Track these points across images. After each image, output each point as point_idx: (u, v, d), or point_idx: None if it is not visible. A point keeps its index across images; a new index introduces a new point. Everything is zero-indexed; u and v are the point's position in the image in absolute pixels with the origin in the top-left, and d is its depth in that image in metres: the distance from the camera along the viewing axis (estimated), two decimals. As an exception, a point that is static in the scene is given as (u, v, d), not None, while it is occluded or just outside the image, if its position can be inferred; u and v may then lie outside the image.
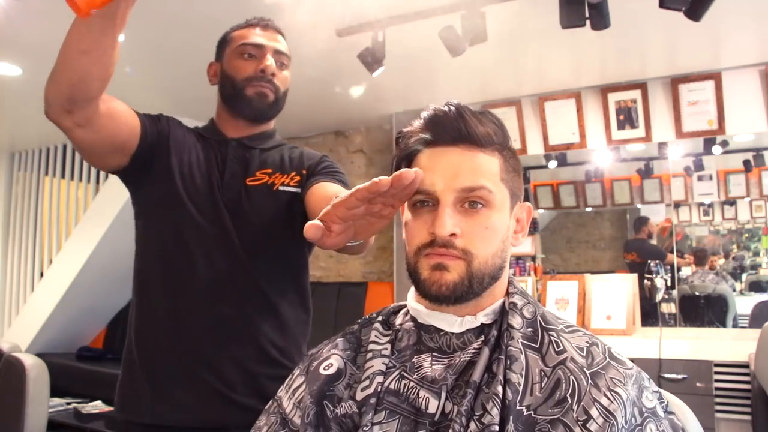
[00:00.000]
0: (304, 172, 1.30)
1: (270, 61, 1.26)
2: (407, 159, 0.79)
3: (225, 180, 1.25)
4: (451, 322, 0.76)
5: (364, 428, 0.72)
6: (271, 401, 0.87)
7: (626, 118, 2.97)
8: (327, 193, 1.18)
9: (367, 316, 0.89)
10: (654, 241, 3.16)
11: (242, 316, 1.19)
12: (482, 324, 0.76)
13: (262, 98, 1.26)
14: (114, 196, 3.72)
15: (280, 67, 1.29)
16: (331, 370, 0.80)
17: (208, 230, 1.20)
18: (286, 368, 1.21)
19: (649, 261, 3.07)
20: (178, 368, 1.17)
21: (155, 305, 1.20)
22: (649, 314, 3.00)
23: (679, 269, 3.05)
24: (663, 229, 3.14)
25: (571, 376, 0.69)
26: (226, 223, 1.21)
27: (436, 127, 0.77)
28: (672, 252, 3.05)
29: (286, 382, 0.87)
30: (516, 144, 3.20)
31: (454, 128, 0.75)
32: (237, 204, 1.23)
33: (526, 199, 3.46)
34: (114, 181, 3.83)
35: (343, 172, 1.32)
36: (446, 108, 0.77)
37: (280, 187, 1.27)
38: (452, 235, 0.72)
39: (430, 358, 0.76)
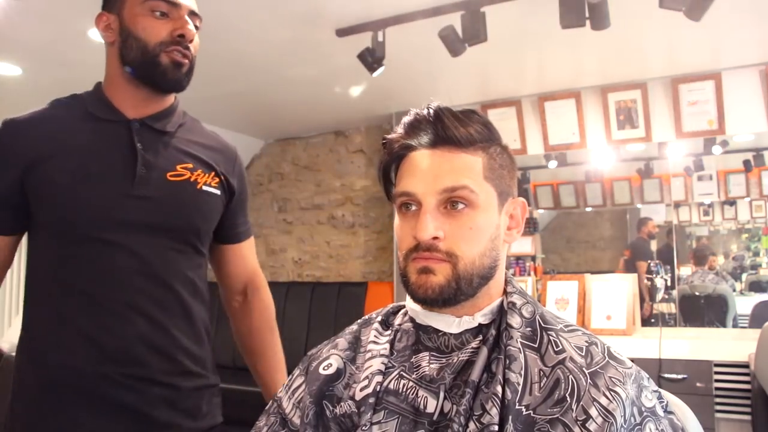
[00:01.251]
0: (223, 178, 1.21)
1: (190, 24, 1.09)
2: (394, 164, 0.81)
3: (138, 174, 1.07)
4: (449, 322, 0.76)
5: (363, 428, 0.72)
6: (270, 401, 0.87)
7: (626, 118, 2.97)
8: (246, 264, 1.29)
9: (366, 316, 0.89)
10: (655, 242, 3.16)
11: (162, 330, 1.08)
12: (480, 324, 0.77)
13: (177, 68, 1.09)
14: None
15: (195, 30, 1.13)
16: (331, 370, 0.80)
17: (125, 248, 1.05)
18: (204, 378, 1.17)
19: (648, 261, 3.08)
20: (97, 394, 1.03)
21: (69, 329, 1.05)
22: (649, 314, 3.00)
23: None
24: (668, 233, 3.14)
25: (571, 376, 0.69)
26: (141, 229, 1.06)
27: (415, 131, 0.78)
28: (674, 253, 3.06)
29: (285, 382, 0.87)
30: (516, 144, 3.20)
31: (432, 131, 0.76)
32: (159, 203, 1.08)
33: (526, 199, 3.46)
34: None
35: (247, 190, 1.32)
36: (425, 111, 0.78)
37: (204, 187, 1.15)
38: (435, 238, 0.73)
39: (428, 358, 0.76)
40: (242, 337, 1.34)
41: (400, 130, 0.80)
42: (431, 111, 0.77)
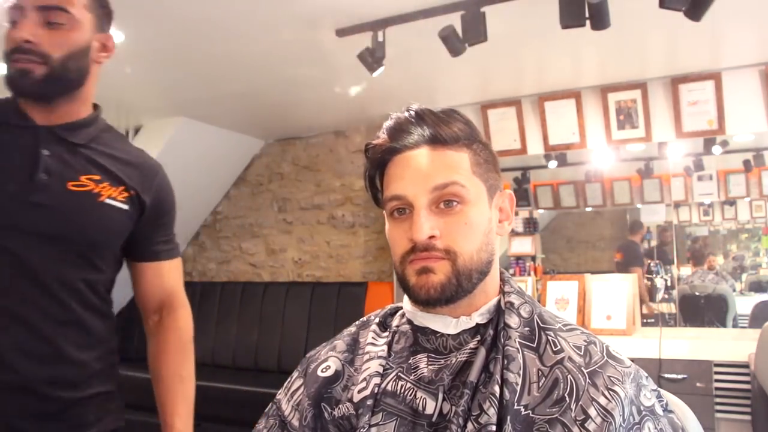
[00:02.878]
0: (134, 193, 1.16)
1: (33, 26, 1.01)
2: (378, 171, 0.80)
3: (36, 179, 1.03)
4: (447, 323, 0.76)
5: (361, 430, 0.72)
6: (270, 404, 0.87)
7: (626, 118, 2.97)
8: (163, 283, 1.23)
9: (364, 318, 0.89)
10: (654, 244, 3.16)
11: (43, 339, 1.05)
12: (477, 324, 0.77)
13: (25, 75, 1.02)
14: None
15: (49, 27, 1.02)
16: (329, 373, 0.80)
17: (13, 254, 1.02)
18: (94, 387, 1.12)
19: (649, 261, 3.08)
20: None
21: None
22: (649, 314, 3.00)
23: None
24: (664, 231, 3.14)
25: (569, 376, 0.69)
26: (32, 236, 1.03)
27: (398, 134, 0.77)
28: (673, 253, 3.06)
29: (285, 384, 0.88)
30: (516, 144, 3.20)
31: (416, 132, 0.76)
32: (54, 211, 1.04)
33: (526, 199, 3.48)
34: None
35: (174, 216, 1.27)
36: (407, 113, 0.78)
37: (107, 200, 1.11)
38: (431, 237, 0.73)
39: (426, 359, 0.76)
40: (151, 359, 1.27)
41: (382, 135, 0.80)
42: (412, 112, 0.78)
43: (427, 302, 0.74)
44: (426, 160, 0.75)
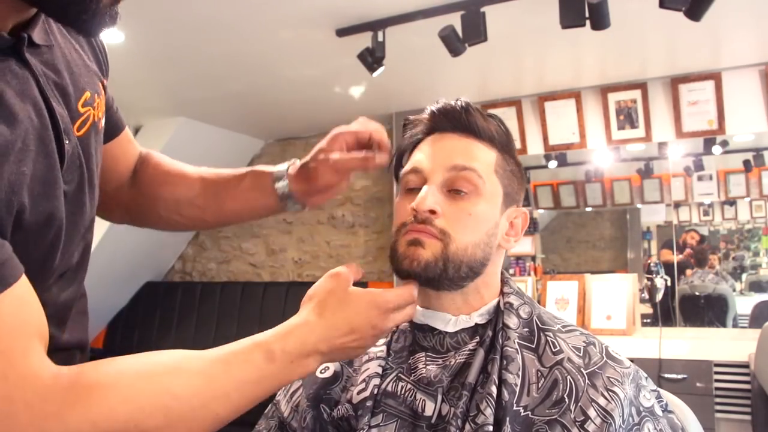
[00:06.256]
0: (105, 81, 0.76)
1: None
2: (410, 146, 0.82)
3: (67, 154, 0.61)
4: (445, 320, 0.76)
5: (361, 431, 0.72)
6: (270, 405, 0.87)
7: (626, 118, 2.97)
8: (131, 150, 0.88)
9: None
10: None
11: None
12: (476, 324, 0.76)
13: None
14: (114, 196, 3.72)
15: None
16: (327, 374, 0.80)
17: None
18: None
19: (649, 261, 3.07)
20: None
21: None
22: (650, 314, 3.00)
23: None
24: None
25: (569, 377, 0.69)
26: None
27: (440, 116, 0.79)
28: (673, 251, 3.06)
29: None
30: (516, 144, 3.20)
31: (455, 117, 0.78)
32: (79, 191, 0.66)
33: (527, 199, 3.48)
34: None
35: None
36: (454, 102, 0.80)
37: (103, 120, 0.72)
38: (432, 212, 0.72)
39: (424, 358, 0.76)
40: (177, 186, 0.93)
41: (425, 113, 0.81)
42: (460, 102, 0.79)
43: (407, 274, 0.72)
44: (454, 142, 0.77)
